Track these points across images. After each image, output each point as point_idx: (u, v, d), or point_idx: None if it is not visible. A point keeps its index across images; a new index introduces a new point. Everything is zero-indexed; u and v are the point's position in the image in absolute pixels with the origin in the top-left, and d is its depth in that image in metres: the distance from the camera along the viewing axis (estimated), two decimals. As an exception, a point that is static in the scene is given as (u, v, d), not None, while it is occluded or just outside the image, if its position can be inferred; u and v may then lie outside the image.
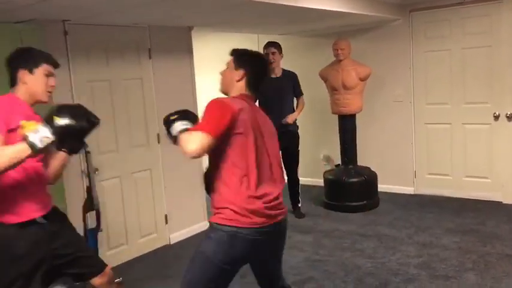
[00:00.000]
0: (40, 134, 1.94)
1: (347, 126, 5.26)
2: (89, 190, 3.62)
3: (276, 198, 2.23)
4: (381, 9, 4.94)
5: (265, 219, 2.15)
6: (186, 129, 2.21)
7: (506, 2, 4.82)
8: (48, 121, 1.98)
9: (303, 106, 5.08)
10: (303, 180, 5.46)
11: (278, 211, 2.24)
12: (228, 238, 2.12)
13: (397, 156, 5.67)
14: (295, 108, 5.07)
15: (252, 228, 2.12)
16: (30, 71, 2.21)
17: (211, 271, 2.16)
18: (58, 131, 1.97)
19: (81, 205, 3.60)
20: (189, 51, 4.65)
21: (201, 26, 4.72)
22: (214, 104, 2.13)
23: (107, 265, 2.54)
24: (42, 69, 2.23)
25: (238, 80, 2.32)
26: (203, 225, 4.84)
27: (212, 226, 2.19)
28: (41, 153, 2.06)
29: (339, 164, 5.52)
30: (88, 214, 3.59)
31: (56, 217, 2.32)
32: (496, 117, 5.02)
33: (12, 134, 2.03)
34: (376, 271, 3.64)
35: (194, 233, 4.69)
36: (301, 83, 5.11)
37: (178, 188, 4.57)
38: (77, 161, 3.70)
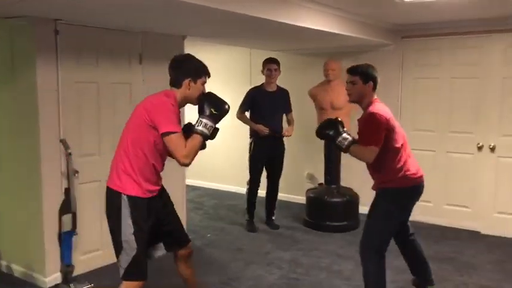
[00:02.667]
0: (207, 125, 2.60)
1: (332, 146, 5.25)
2: (67, 192, 3.58)
3: None
4: (373, 33, 5.00)
5: None
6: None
7: (496, 36, 4.91)
8: (206, 113, 2.63)
9: (293, 122, 5.23)
10: (285, 196, 5.48)
11: None
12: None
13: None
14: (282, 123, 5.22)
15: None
16: (194, 82, 2.69)
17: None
18: (215, 120, 2.64)
19: (58, 207, 3.55)
20: (181, 60, 4.64)
21: (194, 35, 4.72)
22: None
23: (190, 240, 2.98)
24: (201, 81, 2.73)
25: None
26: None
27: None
28: (210, 139, 2.67)
29: (322, 183, 5.52)
30: (64, 216, 3.54)
31: (163, 193, 2.84)
32: (480, 148, 5.08)
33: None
34: (352, 293, 3.62)
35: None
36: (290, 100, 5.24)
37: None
38: (57, 161, 3.64)
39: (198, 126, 2.60)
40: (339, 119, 3.22)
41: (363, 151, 2.99)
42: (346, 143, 3.04)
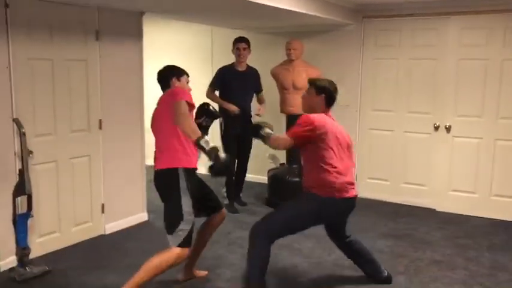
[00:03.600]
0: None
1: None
2: (22, 173, 3.46)
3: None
4: (335, 12, 5.00)
5: None
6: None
7: (453, 18, 5.02)
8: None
9: (265, 101, 5.30)
10: (248, 176, 5.51)
11: None
12: None
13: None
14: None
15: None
16: (178, 79, 3.22)
17: None
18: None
19: (12, 188, 3.43)
20: (139, 37, 4.52)
21: (152, 11, 4.60)
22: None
23: (223, 206, 3.43)
24: (184, 79, 3.26)
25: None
26: (140, 217, 4.75)
27: None
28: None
29: (283, 163, 5.55)
30: (19, 198, 3.43)
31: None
32: (436, 128, 5.23)
33: None
34: (311, 271, 3.69)
35: (131, 224, 4.58)
36: (253, 80, 5.26)
37: (118, 177, 4.43)
38: (10, 142, 3.50)
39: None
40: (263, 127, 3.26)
41: (278, 137, 3.15)
42: (267, 132, 3.17)
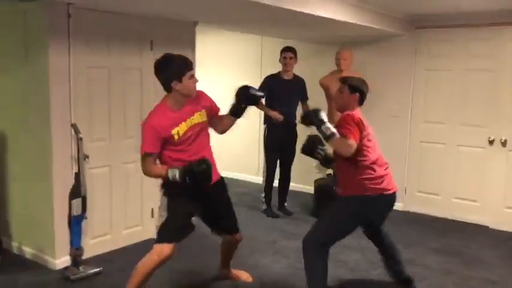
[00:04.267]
0: (175, 176, 2.88)
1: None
2: (77, 176, 3.60)
3: None
4: (387, 23, 4.94)
5: None
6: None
7: (510, 28, 4.84)
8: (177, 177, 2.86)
9: None
10: (293, 185, 5.52)
11: None
12: None
13: (389, 171, 5.66)
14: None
15: None
16: (180, 81, 2.85)
17: None
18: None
19: (68, 191, 3.58)
20: (192, 46, 4.63)
21: (205, 22, 4.70)
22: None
23: (238, 231, 3.37)
24: (186, 77, 2.86)
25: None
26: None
27: None
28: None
29: (330, 173, 5.51)
30: (74, 200, 3.57)
31: (218, 186, 3.21)
32: (491, 142, 5.04)
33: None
34: (356, 284, 3.63)
35: (179, 228, 4.67)
36: (302, 89, 5.29)
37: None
38: (68, 146, 3.67)
39: (169, 174, 2.87)
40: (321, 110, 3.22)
41: (344, 142, 3.01)
42: (328, 132, 3.05)
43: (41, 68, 3.56)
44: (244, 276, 3.63)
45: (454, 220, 5.27)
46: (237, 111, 3.23)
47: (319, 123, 3.08)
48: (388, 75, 5.58)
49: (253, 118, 6.15)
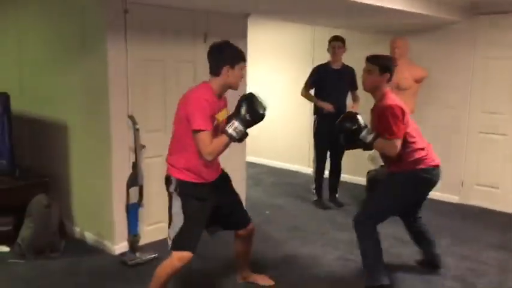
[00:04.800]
0: (237, 128, 2.68)
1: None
2: (135, 166, 3.74)
3: None
4: (444, 10, 4.76)
5: None
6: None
7: None
8: (240, 116, 2.68)
9: (359, 100, 5.19)
10: (346, 177, 5.48)
11: None
12: None
13: (445, 163, 5.42)
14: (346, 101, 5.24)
15: None
16: (232, 68, 2.76)
17: None
18: (247, 125, 2.69)
19: (126, 180, 3.73)
20: (244, 38, 4.67)
21: (258, 13, 4.72)
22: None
23: (250, 221, 3.16)
24: (239, 67, 2.78)
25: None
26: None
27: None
28: (237, 142, 2.75)
29: (383, 165, 5.41)
30: (132, 189, 3.72)
31: (223, 179, 3.02)
32: (556, 133, 4.78)
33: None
34: (410, 279, 3.57)
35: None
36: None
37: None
38: (126, 136, 3.81)
39: (229, 127, 2.69)
40: (357, 113, 3.30)
41: (388, 145, 3.09)
42: (369, 137, 3.12)
43: (99, 62, 3.71)
44: (264, 280, 3.43)
45: (514, 215, 5.06)
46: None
47: (358, 129, 3.15)
48: (445, 65, 5.40)
49: (303, 109, 6.14)
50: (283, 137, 6.99)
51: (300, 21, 5.88)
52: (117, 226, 3.85)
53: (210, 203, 2.87)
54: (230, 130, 2.68)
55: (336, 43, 5.11)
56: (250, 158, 6.64)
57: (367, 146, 3.19)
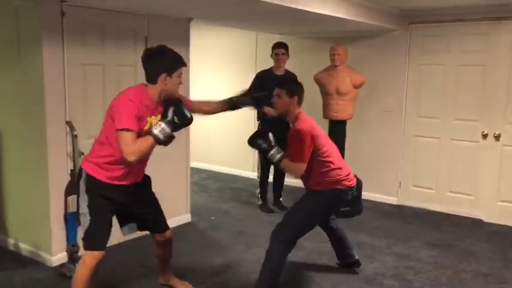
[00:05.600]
0: (163, 130, 2.61)
1: (337, 132, 5.26)
2: (73, 173, 3.61)
3: None
4: (380, 18, 4.96)
5: None
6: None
7: (504, 23, 4.87)
8: (168, 118, 2.64)
9: None
10: (288, 180, 5.53)
11: None
12: None
13: (384, 166, 5.70)
14: None
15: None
16: (170, 76, 2.68)
17: None
18: (174, 128, 2.65)
19: (64, 188, 3.59)
20: (187, 42, 4.64)
21: (199, 18, 4.71)
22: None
23: (168, 229, 3.16)
24: (177, 73, 2.72)
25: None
26: (184, 218, 4.85)
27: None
28: (163, 145, 2.66)
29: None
30: (70, 197, 3.58)
31: (144, 184, 2.99)
32: (484, 136, 5.08)
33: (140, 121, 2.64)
34: (351, 278, 3.67)
35: (175, 225, 4.67)
36: (295, 85, 5.22)
37: (163, 178, 4.52)
38: (63, 143, 3.67)
39: (155, 129, 2.62)
40: (269, 131, 3.38)
41: (292, 167, 3.20)
42: (278, 156, 3.21)
43: (35, 66, 3.56)
44: (185, 286, 3.39)
45: (448, 214, 5.31)
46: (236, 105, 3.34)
47: (268, 148, 3.24)
48: (382, 71, 5.61)
49: (248, 114, 6.15)
50: (228, 142, 6.99)
51: (242, 27, 5.92)
52: (55, 236, 3.70)
53: (117, 205, 2.84)
54: (156, 131, 2.61)
55: (280, 50, 5.17)
56: (195, 164, 6.61)
57: (276, 164, 3.30)
